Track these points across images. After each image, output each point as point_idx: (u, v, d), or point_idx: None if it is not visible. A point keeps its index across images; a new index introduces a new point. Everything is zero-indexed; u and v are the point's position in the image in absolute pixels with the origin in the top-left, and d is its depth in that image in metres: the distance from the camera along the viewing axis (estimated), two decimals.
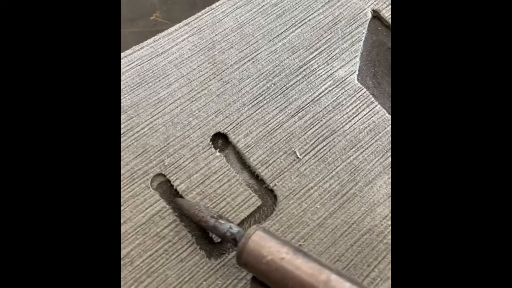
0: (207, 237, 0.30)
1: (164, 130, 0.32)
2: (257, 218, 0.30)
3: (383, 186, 0.32)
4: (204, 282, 0.28)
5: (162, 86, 0.34)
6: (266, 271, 0.24)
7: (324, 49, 0.36)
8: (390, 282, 0.29)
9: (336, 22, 0.37)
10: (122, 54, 0.34)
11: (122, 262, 0.28)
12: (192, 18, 0.37)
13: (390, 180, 0.32)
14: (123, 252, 0.28)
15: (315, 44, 0.36)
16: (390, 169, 0.32)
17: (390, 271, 0.29)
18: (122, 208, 0.30)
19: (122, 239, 0.29)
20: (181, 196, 0.30)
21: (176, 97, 0.33)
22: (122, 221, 0.29)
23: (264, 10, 0.37)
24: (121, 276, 0.28)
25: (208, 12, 0.37)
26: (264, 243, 0.24)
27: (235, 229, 0.26)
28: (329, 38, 0.37)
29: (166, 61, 0.35)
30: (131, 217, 0.29)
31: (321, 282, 0.23)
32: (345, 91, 0.35)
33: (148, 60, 0.34)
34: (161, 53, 0.35)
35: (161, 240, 0.29)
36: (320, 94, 0.34)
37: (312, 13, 0.38)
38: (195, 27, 0.36)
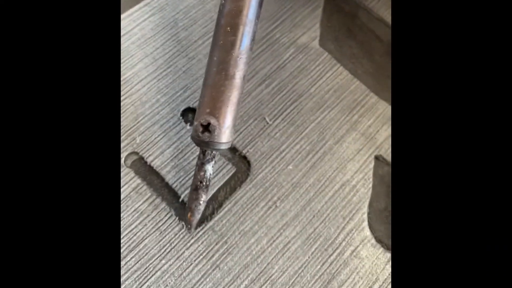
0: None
1: (133, 110, 0.31)
2: (232, 184, 0.30)
3: (352, 142, 0.32)
4: (186, 251, 0.28)
5: (127, 67, 0.33)
6: None
7: (286, 18, 0.36)
8: (364, 233, 0.29)
9: None
10: None
11: None
12: None
13: (357, 136, 0.32)
14: None
15: (277, 14, 0.36)
16: (357, 126, 0.32)
17: (365, 222, 0.29)
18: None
19: None
20: (156, 172, 0.30)
21: (142, 77, 0.33)
22: None
23: None
24: None
25: None
26: None
27: None
28: (290, 7, 0.36)
29: (129, 42, 0.34)
30: None
31: None
32: (309, 56, 0.35)
33: None
34: (123, 34, 0.34)
35: (140, 216, 0.28)
36: (284, 61, 0.34)
37: None
38: (155, 7, 0.35)
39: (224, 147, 0.26)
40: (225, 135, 0.26)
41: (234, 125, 0.26)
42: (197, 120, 0.26)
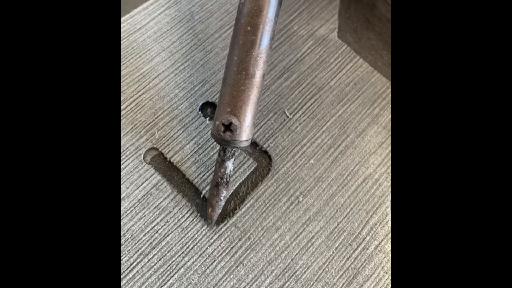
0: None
1: (151, 105, 0.30)
2: (254, 179, 0.29)
3: (374, 135, 0.30)
4: (209, 248, 0.27)
5: (144, 61, 0.31)
6: None
7: (303, 10, 0.34)
8: (388, 227, 0.28)
9: None
10: None
11: (124, 238, 0.27)
12: None
13: (379, 129, 0.31)
14: (124, 228, 0.27)
15: (294, 5, 0.35)
16: (379, 119, 0.31)
17: (388, 216, 0.28)
18: None
19: (122, 216, 0.27)
20: (176, 168, 0.29)
21: (159, 71, 0.31)
22: (120, 197, 0.27)
23: None
24: (126, 251, 0.26)
25: None
26: None
27: None
28: None
29: (145, 36, 0.32)
30: (129, 193, 0.28)
31: None
32: (328, 48, 0.33)
33: (126, 37, 0.32)
34: (139, 28, 0.32)
35: (162, 212, 0.27)
36: (303, 53, 0.33)
37: None
38: (171, 0, 0.34)
39: (244, 144, 0.26)
40: (245, 133, 0.25)
41: (254, 123, 0.26)
42: (218, 119, 0.25)
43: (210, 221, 0.27)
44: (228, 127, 0.25)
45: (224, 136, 0.25)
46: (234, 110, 0.24)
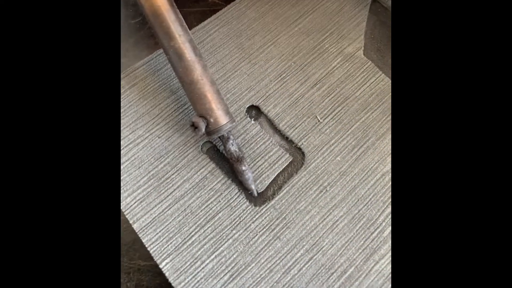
0: None
1: None
2: (289, 171, 0.35)
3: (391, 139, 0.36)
4: (252, 224, 0.32)
5: None
6: None
7: (334, 30, 0.40)
8: None
9: (342, 7, 0.41)
10: None
11: (185, 213, 0.33)
12: (220, 13, 0.40)
13: None
14: (185, 205, 0.33)
15: (326, 27, 0.40)
16: None
17: None
18: (180, 171, 0.34)
19: (184, 195, 0.33)
20: (226, 158, 0.35)
21: (214, 79, 0.37)
22: (182, 180, 0.34)
23: (280, 1, 0.41)
24: (187, 222, 0.32)
25: (232, 6, 0.41)
26: None
27: None
28: (337, 21, 0.40)
29: (203, 50, 0.39)
30: (189, 177, 0.34)
31: None
32: (354, 64, 0.39)
33: None
34: (198, 43, 0.39)
35: (215, 194, 0.33)
36: (333, 68, 0.38)
37: (321, 1, 0.41)
38: (223, 20, 0.40)
39: (227, 127, 0.32)
40: (220, 120, 0.32)
41: (223, 109, 0.32)
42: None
43: (250, 192, 0.33)
44: (193, 125, 0.32)
45: (206, 130, 0.32)
46: (200, 112, 0.32)
